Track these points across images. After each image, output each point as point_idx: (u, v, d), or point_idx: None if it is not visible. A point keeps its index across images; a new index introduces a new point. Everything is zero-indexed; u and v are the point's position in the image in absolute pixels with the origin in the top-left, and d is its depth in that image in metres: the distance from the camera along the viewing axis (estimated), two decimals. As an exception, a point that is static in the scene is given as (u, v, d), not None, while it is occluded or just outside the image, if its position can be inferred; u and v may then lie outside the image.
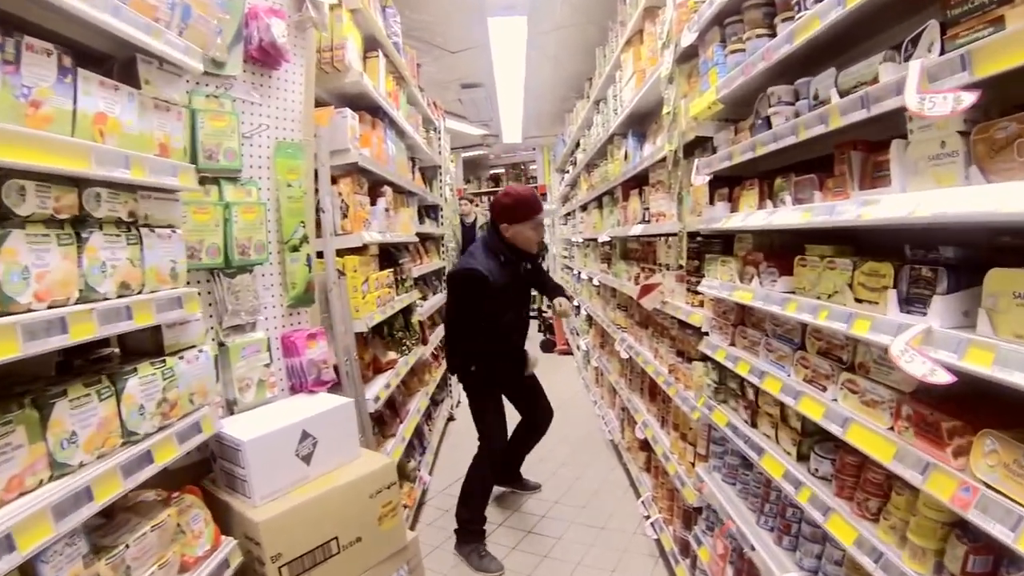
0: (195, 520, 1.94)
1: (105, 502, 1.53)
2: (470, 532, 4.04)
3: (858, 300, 1.80)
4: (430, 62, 7.78)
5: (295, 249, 2.74)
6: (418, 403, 4.83)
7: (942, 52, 1.44)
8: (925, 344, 1.44)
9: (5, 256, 1.32)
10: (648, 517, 4.00)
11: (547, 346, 10.85)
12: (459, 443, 6.15)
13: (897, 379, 1.73)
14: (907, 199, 1.49)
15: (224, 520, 2.12)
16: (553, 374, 8.78)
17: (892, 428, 1.67)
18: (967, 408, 1.49)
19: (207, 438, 2.04)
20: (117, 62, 1.84)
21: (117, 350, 2.07)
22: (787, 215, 2.11)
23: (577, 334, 9.23)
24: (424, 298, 5.77)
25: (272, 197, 2.69)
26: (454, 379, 7.18)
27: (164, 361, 1.88)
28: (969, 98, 1.27)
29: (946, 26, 1.44)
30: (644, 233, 4.11)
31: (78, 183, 1.56)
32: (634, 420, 4.60)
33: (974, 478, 1.34)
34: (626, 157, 4.93)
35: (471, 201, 11.56)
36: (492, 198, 3.62)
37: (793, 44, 2.01)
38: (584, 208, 7.68)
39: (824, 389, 2.00)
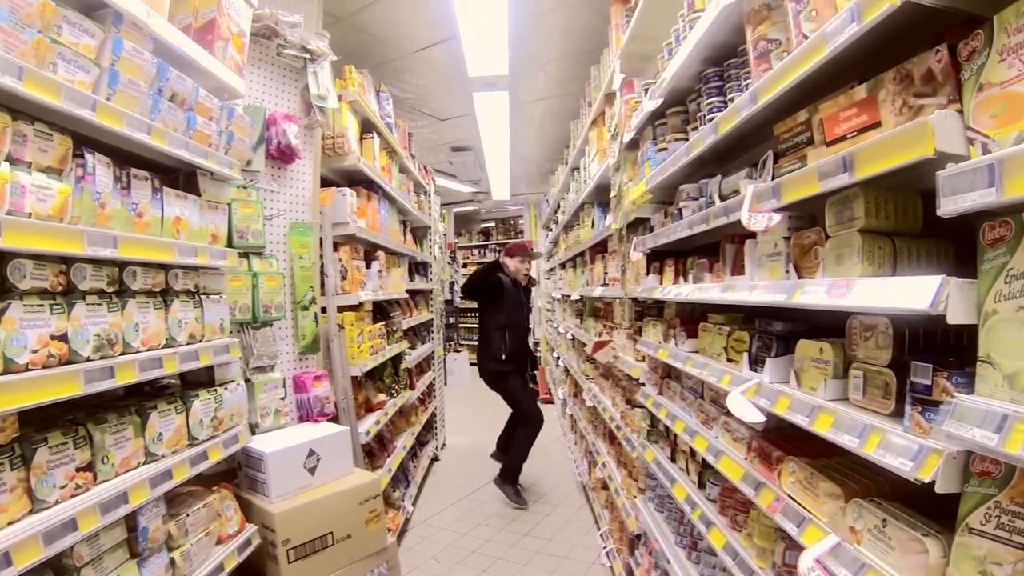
0: (227, 508, 2.59)
1: (180, 480, 2.23)
2: (511, 475, 6.00)
3: (729, 360, 2.40)
4: (423, 126, 8.48)
5: (305, 308, 3.38)
6: (404, 441, 5.36)
7: (774, 177, 1.99)
8: (757, 394, 2.03)
9: (126, 316, 2.01)
10: (605, 547, 4.53)
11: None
12: (443, 480, 6.71)
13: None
14: (748, 288, 2.08)
15: (247, 513, 2.75)
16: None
17: (746, 458, 2.25)
18: (795, 442, 2.08)
19: (240, 448, 2.71)
20: (182, 173, 2.50)
21: (177, 380, 2.70)
22: (685, 291, 2.72)
23: (556, 383, 9.77)
24: (413, 347, 6.34)
25: (288, 267, 3.33)
26: (440, 422, 7.78)
27: (215, 390, 2.56)
28: (776, 219, 1.85)
29: (778, 155, 1.98)
30: (603, 295, 4.72)
31: (164, 266, 2.24)
32: (596, 462, 5.14)
33: (782, 491, 1.91)
34: (593, 224, 5.55)
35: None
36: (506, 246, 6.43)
37: (690, 155, 2.61)
38: (563, 266, 8.25)
39: (711, 428, 2.59)
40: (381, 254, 4.90)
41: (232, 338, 2.62)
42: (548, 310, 11.52)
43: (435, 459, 7.40)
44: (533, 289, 6.08)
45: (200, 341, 2.42)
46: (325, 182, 4.09)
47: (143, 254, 2.02)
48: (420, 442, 6.65)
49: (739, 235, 2.46)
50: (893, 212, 1.62)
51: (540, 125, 8.71)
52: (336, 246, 3.98)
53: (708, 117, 2.54)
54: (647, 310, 3.75)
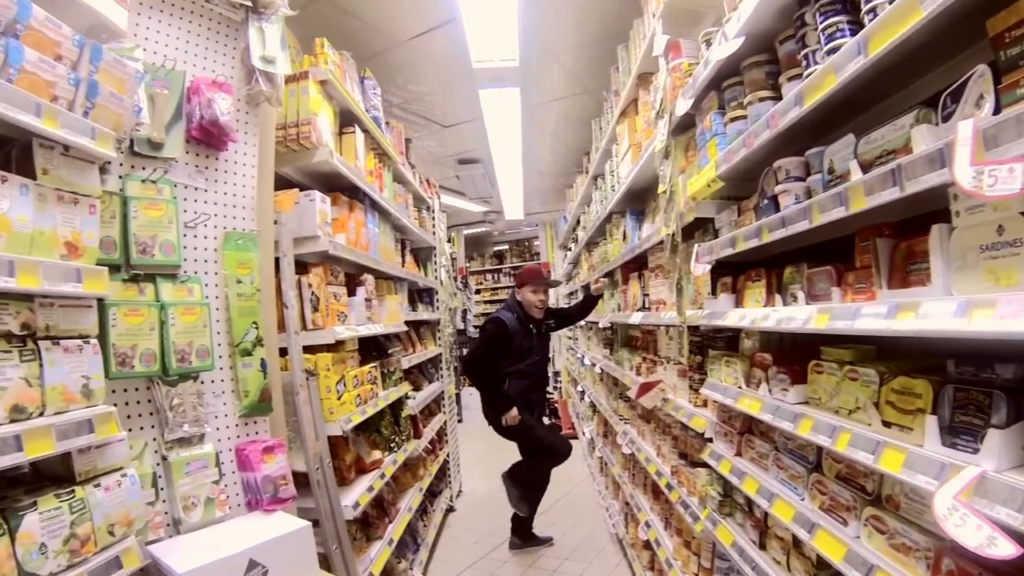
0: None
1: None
2: (523, 532, 5.35)
3: (886, 423, 1.50)
4: (425, 136, 7.69)
5: (248, 353, 2.45)
6: (410, 500, 4.53)
7: (997, 108, 1.14)
8: (977, 495, 1.13)
9: None
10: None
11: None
12: (459, 535, 5.88)
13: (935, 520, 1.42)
14: (958, 308, 1.17)
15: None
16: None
17: (933, 585, 1.35)
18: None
19: (130, 573, 1.76)
20: (16, 146, 1.61)
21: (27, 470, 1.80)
22: (799, 317, 1.80)
23: (581, 419, 8.88)
24: (417, 388, 5.44)
25: (220, 295, 2.42)
26: (454, 467, 6.91)
27: (73, 492, 1.64)
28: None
29: (999, 71, 1.16)
30: (643, 322, 3.83)
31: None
32: (637, 518, 4.24)
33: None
34: (624, 237, 4.70)
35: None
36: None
37: (803, 107, 1.74)
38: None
39: (844, 523, 1.68)
40: (370, 278, 3.98)
41: (105, 408, 1.70)
42: (570, 338, 10.64)
43: (450, 509, 6.53)
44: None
45: (40, 415, 1.52)
46: (289, 185, 3.22)
47: None
48: (432, 493, 5.83)
49: (886, 225, 1.59)
50: None
51: (555, 132, 7.92)
52: (306, 267, 3.12)
53: (827, 49, 1.68)
54: (710, 340, 2.84)
